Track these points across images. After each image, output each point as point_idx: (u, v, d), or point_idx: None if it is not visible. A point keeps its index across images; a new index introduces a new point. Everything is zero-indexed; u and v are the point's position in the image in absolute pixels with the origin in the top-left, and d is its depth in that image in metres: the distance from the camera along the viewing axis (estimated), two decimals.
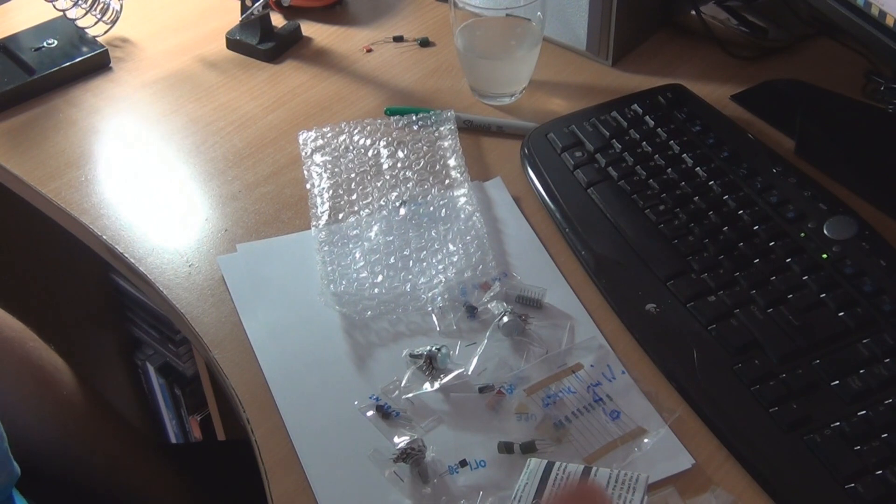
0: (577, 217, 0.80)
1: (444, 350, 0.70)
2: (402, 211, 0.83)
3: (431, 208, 0.83)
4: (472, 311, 0.74)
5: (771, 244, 0.75)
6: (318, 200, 0.85)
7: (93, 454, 0.91)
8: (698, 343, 0.69)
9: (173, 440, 1.41)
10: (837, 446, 0.61)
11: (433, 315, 0.74)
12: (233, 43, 1.07)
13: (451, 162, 0.88)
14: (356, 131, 0.92)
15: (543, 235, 0.81)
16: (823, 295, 0.70)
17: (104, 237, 0.85)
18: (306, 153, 0.91)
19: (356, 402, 0.68)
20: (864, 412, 0.62)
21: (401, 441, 0.65)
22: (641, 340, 0.71)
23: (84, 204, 0.88)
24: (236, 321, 0.76)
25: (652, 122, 0.88)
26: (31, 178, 0.91)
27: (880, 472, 0.59)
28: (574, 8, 0.98)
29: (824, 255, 0.73)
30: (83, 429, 0.91)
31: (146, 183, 0.91)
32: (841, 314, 0.69)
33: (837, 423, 0.62)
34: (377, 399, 0.68)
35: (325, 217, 0.83)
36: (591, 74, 1.00)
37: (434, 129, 0.92)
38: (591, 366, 0.69)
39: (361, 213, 0.84)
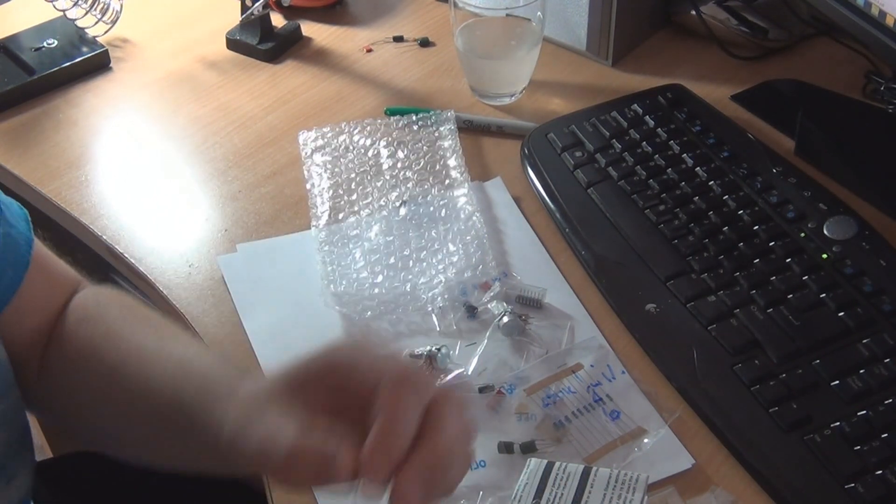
0: (577, 217, 0.80)
1: (444, 350, 0.70)
2: (402, 211, 0.83)
3: (431, 208, 0.83)
4: (472, 311, 0.74)
5: (771, 244, 0.75)
6: (318, 200, 0.85)
7: None
8: (698, 343, 0.69)
9: None
10: (837, 446, 0.61)
11: (433, 315, 0.74)
12: (233, 43, 1.07)
13: (451, 162, 0.88)
14: (356, 131, 0.92)
15: (543, 235, 0.81)
16: (823, 295, 0.70)
17: (104, 237, 0.85)
18: (306, 153, 0.91)
19: None
20: (864, 412, 0.62)
21: None
22: (641, 340, 0.71)
23: (84, 204, 0.88)
24: (236, 321, 0.76)
25: (652, 123, 0.88)
26: (31, 178, 0.91)
27: (880, 472, 0.59)
28: (574, 8, 0.98)
29: (824, 255, 0.73)
30: None
31: (146, 183, 0.91)
32: (841, 314, 0.69)
33: (837, 423, 0.62)
34: None
35: (325, 217, 0.83)
36: (591, 74, 1.00)
37: (434, 129, 0.92)
38: (591, 366, 0.69)
39: (361, 213, 0.84)
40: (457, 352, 0.71)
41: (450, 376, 0.69)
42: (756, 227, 0.76)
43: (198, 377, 0.58)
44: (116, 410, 0.62)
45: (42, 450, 1.38)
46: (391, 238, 0.81)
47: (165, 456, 0.62)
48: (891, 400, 0.63)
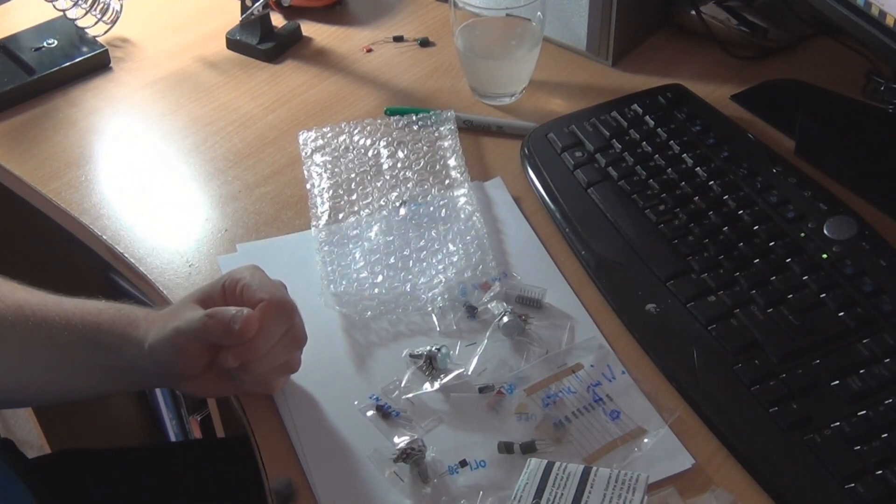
0: (577, 217, 0.80)
1: (444, 350, 0.70)
2: (402, 211, 0.83)
3: (431, 208, 0.83)
4: (472, 311, 0.74)
5: (771, 244, 0.75)
6: (318, 200, 0.85)
7: None
8: (698, 343, 0.69)
9: (173, 440, 1.41)
10: (837, 446, 0.61)
11: (433, 315, 0.74)
12: (233, 43, 1.07)
13: (451, 162, 0.88)
14: (356, 131, 0.93)
15: (543, 235, 0.81)
16: (823, 295, 0.70)
17: (104, 237, 0.85)
18: (306, 153, 0.91)
19: (356, 402, 0.68)
20: (864, 412, 0.62)
21: (401, 441, 0.65)
22: (641, 340, 0.71)
23: (84, 204, 0.88)
24: None
25: (652, 122, 0.88)
26: (31, 178, 0.91)
27: (880, 472, 0.59)
28: (574, 8, 0.99)
29: (824, 255, 0.73)
30: None
31: (146, 183, 0.91)
32: (841, 314, 0.69)
33: (837, 423, 0.62)
34: (377, 399, 0.68)
35: (325, 217, 0.83)
36: (591, 74, 1.00)
37: (434, 129, 0.92)
38: (591, 366, 0.69)
39: (361, 213, 0.84)
40: (457, 352, 0.71)
41: (450, 376, 0.69)
42: (756, 227, 0.76)
43: (111, 309, 0.69)
44: (14, 350, 0.67)
45: (42, 450, 1.39)
46: (391, 238, 0.81)
47: (66, 390, 0.70)
48: (891, 400, 0.63)
